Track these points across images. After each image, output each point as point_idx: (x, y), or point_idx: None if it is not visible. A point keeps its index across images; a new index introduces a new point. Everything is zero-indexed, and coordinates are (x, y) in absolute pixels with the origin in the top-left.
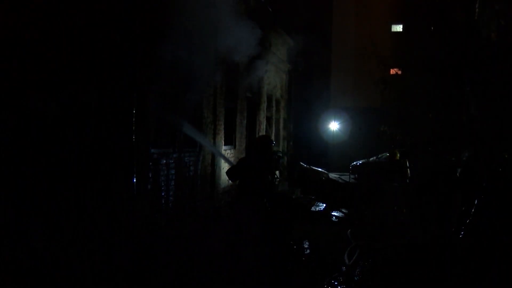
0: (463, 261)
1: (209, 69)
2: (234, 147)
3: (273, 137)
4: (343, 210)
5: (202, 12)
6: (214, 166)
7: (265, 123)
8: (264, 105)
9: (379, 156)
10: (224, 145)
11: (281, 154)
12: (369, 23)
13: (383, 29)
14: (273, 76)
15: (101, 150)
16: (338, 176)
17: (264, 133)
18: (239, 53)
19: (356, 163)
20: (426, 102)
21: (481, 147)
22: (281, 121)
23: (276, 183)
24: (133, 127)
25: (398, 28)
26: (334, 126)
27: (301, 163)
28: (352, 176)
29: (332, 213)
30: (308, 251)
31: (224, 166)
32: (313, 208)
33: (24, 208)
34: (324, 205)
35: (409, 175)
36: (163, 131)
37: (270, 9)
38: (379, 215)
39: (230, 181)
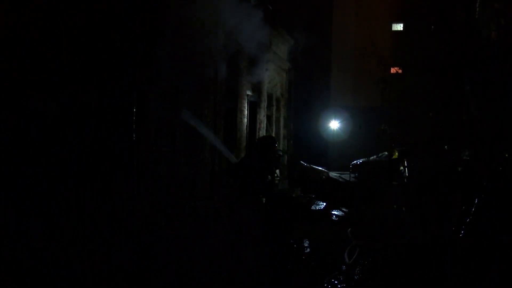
0: (463, 261)
1: (209, 68)
2: (235, 146)
3: (273, 136)
4: (343, 209)
5: (202, 12)
6: (214, 165)
7: (265, 122)
8: (264, 104)
9: (379, 155)
10: (225, 143)
11: (281, 153)
12: (369, 22)
13: (383, 28)
14: (273, 75)
15: (102, 149)
16: (338, 175)
17: (265, 132)
18: (239, 52)
19: (356, 162)
20: (426, 101)
21: (481, 147)
22: (281, 120)
23: (277, 182)
24: (133, 127)
25: (399, 27)
26: (334, 125)
27: (301, 162)
28: (352, 175)
29: (332, 212)
30: (308, 250)
31: (225, 166)
32: (313, 207)
33: (24, 208)
34: (324, 204)
35: (407, 174)
36: (163, 130)
37: (271, 8)
38: (379, 214)
39: (231, 179)
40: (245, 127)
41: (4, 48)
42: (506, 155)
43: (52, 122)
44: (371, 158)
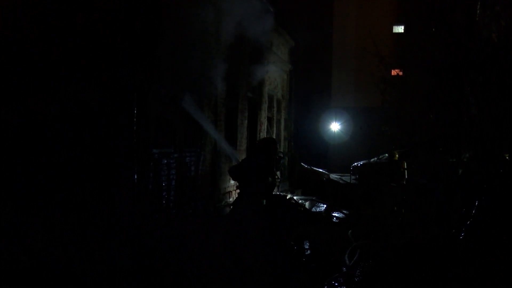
0: (463, 261)
1: (210, 68)
2: (235, 148)
3: (274, 137)
4: (344, 211)
5: (203, 12)
6: (214, 166)
7: (266, 124)
8: (265, 105)
9: (380, 156)
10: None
11: (282, 155)
12: (370, 24)
13: (384, 30)
14: (274, 76)
15: (102, 150)
16: (339, 177)
17: (265, 134)
18: (240, 53)
19: (357, 164)
20: (427, 102)
21: (481, 147)
22: (282, 121)
23: (277, 183)
24: (134, 127)
25: (400, 29)
26: (335, 126)
27: (302, 163)
28: (353, 177)
29: (333, 214)
30: (308, 251)
31: (225, 167)
32: (313, 209)
33: (24, 208)
34: (325, 205)
35: (406, 176)
36: (164, 130)
37: (271, 9)
38: (380, 215)
39: (232, 180)
40: (245, 128)
41: (5, 48)
42: (506, 156)
43: (53, 122)
44: (372, 160)
